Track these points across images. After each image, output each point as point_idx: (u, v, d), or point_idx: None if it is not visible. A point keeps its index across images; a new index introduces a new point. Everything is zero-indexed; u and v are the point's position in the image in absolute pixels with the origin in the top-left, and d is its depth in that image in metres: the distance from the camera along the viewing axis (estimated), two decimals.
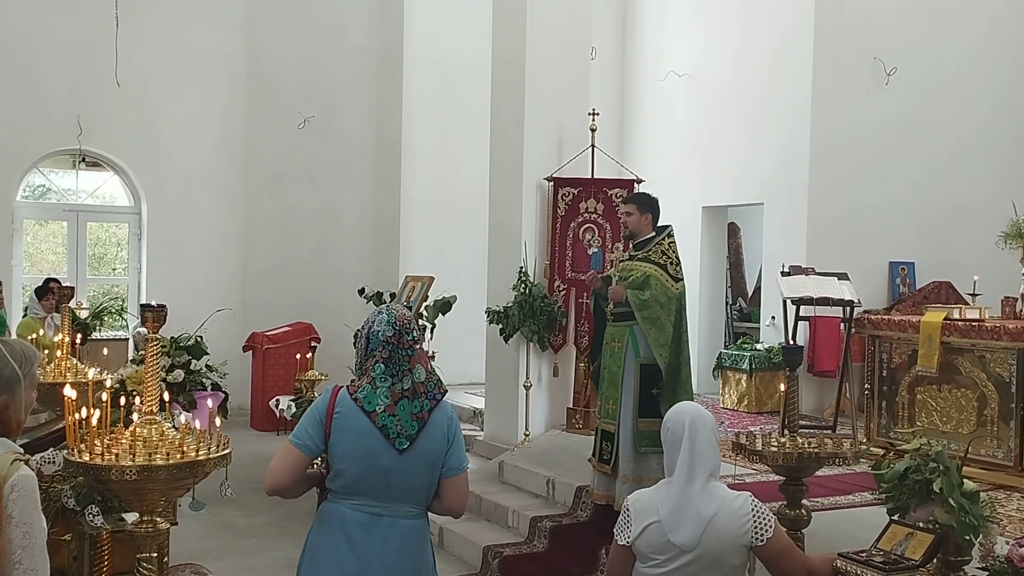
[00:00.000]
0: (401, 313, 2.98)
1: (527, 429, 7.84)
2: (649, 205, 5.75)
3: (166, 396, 3.43)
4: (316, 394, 8.36)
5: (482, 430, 8.57)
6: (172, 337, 6.22)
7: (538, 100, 7.98)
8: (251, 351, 10.83)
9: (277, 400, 9.94)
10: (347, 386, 2.95)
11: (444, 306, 7.98)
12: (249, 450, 9.38)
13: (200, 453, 3.20)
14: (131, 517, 3.42)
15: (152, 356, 3.28)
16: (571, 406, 8.06)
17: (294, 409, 8.46)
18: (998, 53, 9.53)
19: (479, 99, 9.22)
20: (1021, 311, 6.86)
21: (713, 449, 2.99)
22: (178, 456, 3.15)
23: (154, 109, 11.10)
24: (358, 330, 3.06)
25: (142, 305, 3.13)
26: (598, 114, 8.24)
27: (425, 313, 8.20)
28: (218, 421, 3.30)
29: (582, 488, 6.14)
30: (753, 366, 9.09)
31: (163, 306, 3.24)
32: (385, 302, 8.86)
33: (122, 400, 3.36)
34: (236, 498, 7.49)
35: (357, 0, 11.73)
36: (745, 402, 9.13)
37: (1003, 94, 9.52)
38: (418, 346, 2.97)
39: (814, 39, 9.22)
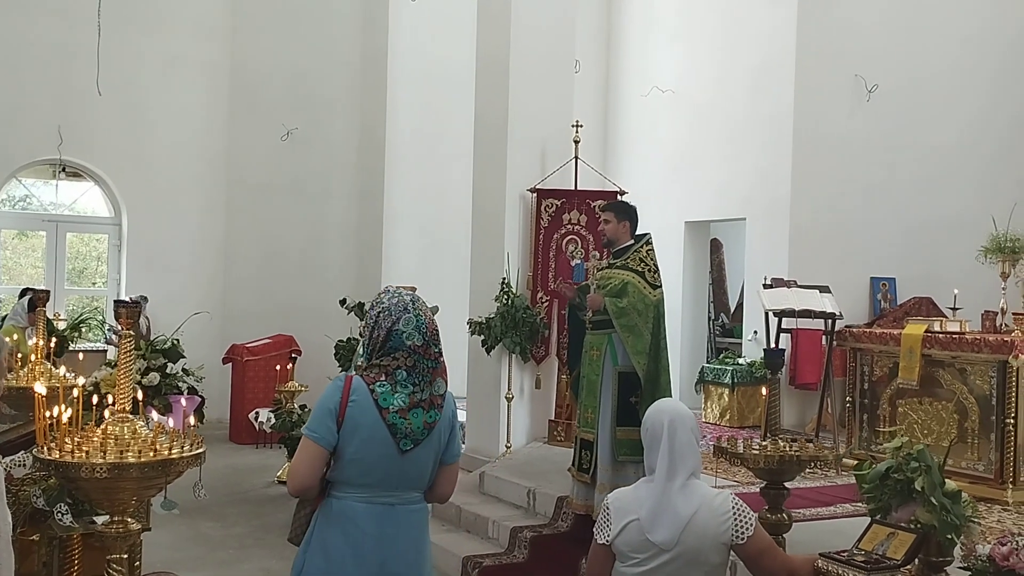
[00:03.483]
0: (430, 319, 2.92)
1: (508, 441, 7.79)
2: (627, 213, 5.74)
3: (140, 395, 3.37)
4: (296, 406, 8.30)
5: (463, 443, 8.49)
6: (148, 340, 6.14)
7: (522, 111, 7.97)
8: (231, 363, 10.74)
9: (257, 413, 9.84)
10: (361, 375, 2.88)
11: None
12: (227, 463, 9.30)
13: (173, 452, 3.15)
14: (104, 520, 3.35)
15: (125, 352, 3.22)
16: (553, 418, 8.02)
17: (274, 421, 8.39)
18: (979, 70, 9.60)
19: (464, 111, 9.22)
20: (1001, 325, 6.89)
21: (693, 448, 2.95)
22: (150, 454, 3.09)
23: (136, 119, 11.04)
24: (368, 311, 2.95)
25: (116, 301, 3.08)
26: (582, 126, 8.24)
27: None
28: (192, 419, 3.25)
29: (563, 498, 6.09)
30: (735, 380, 9.08)
31: (137, 302, 3.19)
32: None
33: (95, 399, 3.30)
34: (213, 509, 7.44)
35: (342, 13, 11.74)
36: (727, 416, 9.11)
37: (984, 111, 9.59)
38: (442, 358, 2.92)
39: (796, 56, 9.28)
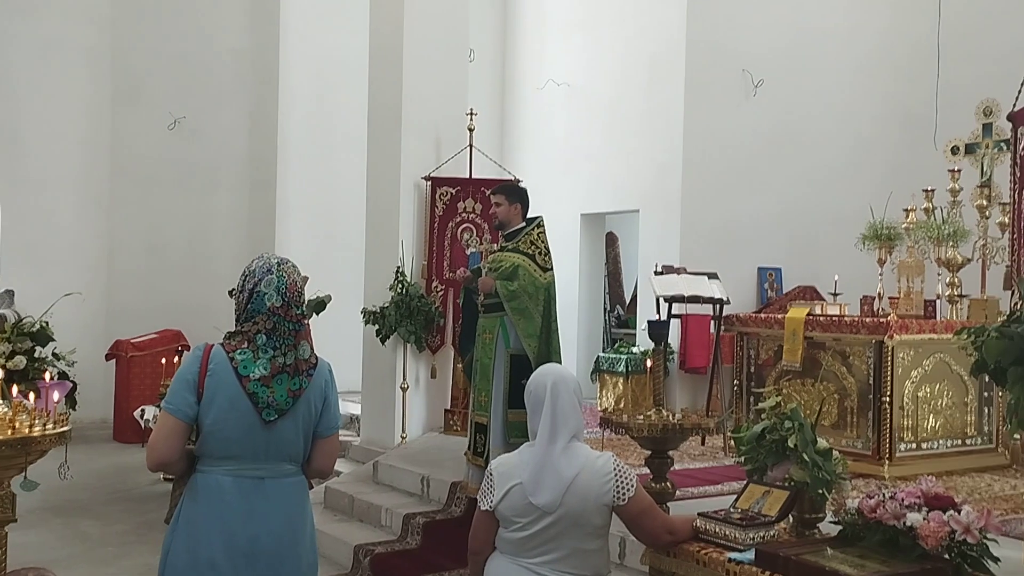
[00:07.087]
0: (292, 281, 2.82)
1: (404, 432, 7.70)
2: (518, 195, 5.75)
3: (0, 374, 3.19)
4: None
5: (359, 435, 8.38)
6: (13, 323, 5.82)
7: (416, 98, 7.91)
8: (115, 360, 10.31)
9: (143, 410, 9.47)
10: (222, 343, 2.79)
11: (319, 306, 7.75)
12: (111, 462, 8.96)
13: (34, 430, 3.00)
14: None
15: None
16: (448, 408, 7.97)
17: None
18: (860, 66, 9.96)
19: (357, 98, 9.09)
20: (879, 309, 7.18)
21: (575, 410, 2.95)
22: (8, 432, 2.93)
23: (9, 106, 10.49)
24: (234, 289, 2.86)
25: None
26: (476, 114, 8.22)
27: None
28: (56, 396, 3.09)
29: (457, 483, 6.06)
30: (629, 369, 9.20)
31: None
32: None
33: None
34: (93, 508, 7.17)
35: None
36: (622, 404, 9.22)
37: (861, 105, 9.95)
38: (306, 321, 2.84)
39: (686, 51, 9.45)
